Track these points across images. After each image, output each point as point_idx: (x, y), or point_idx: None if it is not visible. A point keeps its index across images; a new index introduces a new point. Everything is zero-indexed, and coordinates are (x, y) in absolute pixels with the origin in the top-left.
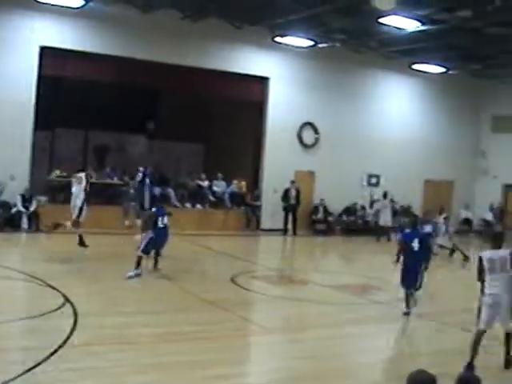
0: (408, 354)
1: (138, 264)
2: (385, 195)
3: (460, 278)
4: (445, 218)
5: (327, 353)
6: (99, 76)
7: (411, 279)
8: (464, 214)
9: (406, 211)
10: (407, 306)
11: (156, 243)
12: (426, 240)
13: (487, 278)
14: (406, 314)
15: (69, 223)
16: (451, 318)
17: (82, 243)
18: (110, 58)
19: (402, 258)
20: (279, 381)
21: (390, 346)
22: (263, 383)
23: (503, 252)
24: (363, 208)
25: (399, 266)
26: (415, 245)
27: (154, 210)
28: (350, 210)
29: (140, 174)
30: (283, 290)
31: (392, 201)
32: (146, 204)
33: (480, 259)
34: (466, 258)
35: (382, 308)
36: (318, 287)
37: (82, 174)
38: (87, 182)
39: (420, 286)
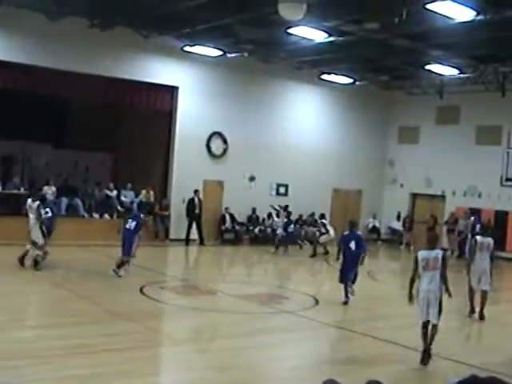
0: (319, 362)
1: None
2: (285, 208)
3: (365, 286)
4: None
5: (238, 363)
6: (6, 84)
7: (349, 274)
8: (371, 222)
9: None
10: (346, 296)
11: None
12: (361, 241)
13: (421, 274)
14: (345, 302)
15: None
16: (359, 325)
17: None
18: (18, 66)
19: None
20: None
21: (300, 354)
22: None
23: (436, 253)
24: (270, 217)
25: (307, 275)
26: (352, 245)
27: None
28: (253, 220)
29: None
30: (192, 301)
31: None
32: None
33: (416, 258)
34: (326, 252)
35: (290, 317)
36: (226, 297)
37: (34, 205)
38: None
39: (355, 279)
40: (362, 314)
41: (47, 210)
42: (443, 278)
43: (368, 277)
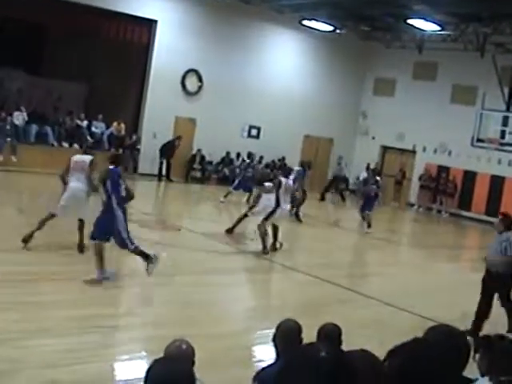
0: (277, 303)
1: None
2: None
3: (331, 234)
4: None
5: (195, 299)
6: None
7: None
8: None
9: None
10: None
11: None
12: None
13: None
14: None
15: None
16: (319, 271)
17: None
18: None
19: None
20: (149, 324)
21: (258, 295)
22: (133, 325)
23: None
24: (238, 156)
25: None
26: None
27: None
28: (225, 162)
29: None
30: (156, 235)
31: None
32: None
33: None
34: None
35: (252, 258)
36: (190, 234)
37: None
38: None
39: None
40: (322, 261)
41: None
42: None
43: (334, 225)
